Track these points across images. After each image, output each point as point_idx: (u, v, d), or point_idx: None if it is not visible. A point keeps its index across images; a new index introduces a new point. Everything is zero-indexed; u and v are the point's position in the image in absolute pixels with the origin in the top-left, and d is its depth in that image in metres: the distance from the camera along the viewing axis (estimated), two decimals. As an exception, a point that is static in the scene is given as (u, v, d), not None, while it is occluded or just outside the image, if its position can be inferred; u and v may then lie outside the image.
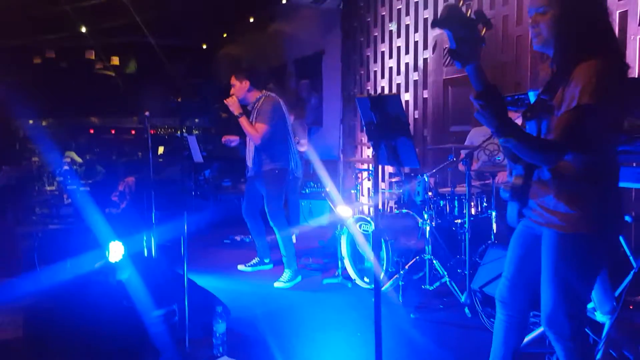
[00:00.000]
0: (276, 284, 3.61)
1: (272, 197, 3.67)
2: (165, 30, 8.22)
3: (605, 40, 1.51)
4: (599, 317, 2.15)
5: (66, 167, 6.67)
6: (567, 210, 1.54)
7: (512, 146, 1.47)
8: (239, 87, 3.68)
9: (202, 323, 2.58)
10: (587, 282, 1.60)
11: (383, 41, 5.41)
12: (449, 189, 3.58)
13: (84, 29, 8.18)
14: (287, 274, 3.68)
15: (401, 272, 3.35)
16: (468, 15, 1.33)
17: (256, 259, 4.06)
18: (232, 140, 3.91)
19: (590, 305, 2.30)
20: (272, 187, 3.67)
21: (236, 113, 3.56)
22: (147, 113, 3.93)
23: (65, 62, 9.26)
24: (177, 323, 2.36)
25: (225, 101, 3.64)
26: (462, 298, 3.03)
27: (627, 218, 2.32)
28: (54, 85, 9.43)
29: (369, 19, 5.63)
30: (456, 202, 3.54)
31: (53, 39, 8.80)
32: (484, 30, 1.37)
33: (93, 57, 9.10)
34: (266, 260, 4.04)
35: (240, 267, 4.04)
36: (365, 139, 5.74)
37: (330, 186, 4.19)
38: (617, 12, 3.14)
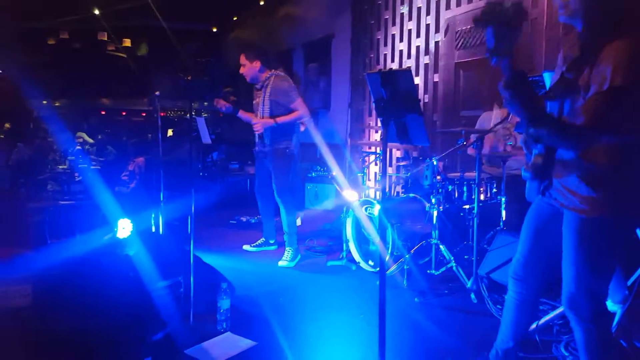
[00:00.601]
0: (280, 263, 3.66)
1: (281, 174, 3.70)
2: (176, 13, 8.21)
3: (639, 18, 1.43)
4: (611, 306, 2.13)
5: (78, 147, 6.74)
6: (589, 193, 1.50)
7: (543, 136, 1.44)
8: (249, 67, 3.65)
9: (207, 299, 2.60)
10: (608, 265, 1.58)
11: (394, 24, 5.34)
12: (458, 174, 3.55)
13: (97, 11, 8.21)
14: (289, 252, 3.72)
15: (407, 256, 3.35)
16: (506, 9, 1.31)
17: (262, 239, 4.08)
18: (224, 105, 3.77)
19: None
20: (282, 164, 3.70)
21: (271, 124, 3.60)
22: (157, 93, 3.94)
23: (79, 43, 9.31)
24: (183, 295, 2.39)
25: (256, 128, 3.65)
26: (469, 284, 3.02)
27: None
28: (67, 66, 9.50)
29: (379, 2, 5.56)
30: (465, 187, 3.51)
31: (67, 21, 8.85)
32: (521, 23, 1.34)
33: (105, 39, 9.13)
34: (271, 241, 4.07)
35: (246, 247, 4.07)
36: (373, 122, 5.71)
37: (336, 170, 4.17)
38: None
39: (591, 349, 1.59)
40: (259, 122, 3.63)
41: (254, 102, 3.81)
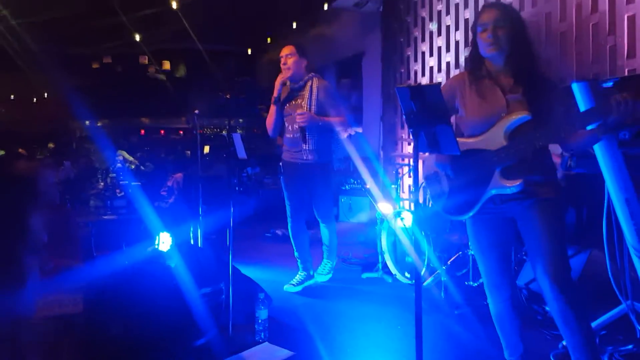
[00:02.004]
0: (316, 276, 3.56)
1: (326, 193, 3.45)
2: (212, 36, 8.55)
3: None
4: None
5: (119, 165, 7.05)
6: (550, 181, 1.85)
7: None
8: (298, 61, 3.33)
9: (245, 310, 2.67)
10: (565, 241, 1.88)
11: (423, 40, 5.38)
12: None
13: (137, 37, 8.65)
14: (326, 265, 3.58)
15: (443, 267, 3.32)
16: None
17: (302, 273, 3.54)
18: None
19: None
20: (326, 181, 3.41)
21: (315, 121, 3.27)
22: (196, 111, 4.11)
23: (121, 67, 9.81)
24: (223, 304, 2.46)
25: (301, 119, 3.26)
26: (506, 295, 2.97)
27: None
28: (110, 89, 10.00)
29: (409, 20, 5.62)
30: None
31: (110, 47, 9.37)
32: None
33: (146, 62, 9.58)
34: (312, 272, 3.60)
35: (287, 287, 3.48)
36: (405, 135, 5.72)
37: (370, 183, 4.19)
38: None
39: (578, 315, 1.76)
40: (307, 113, 3.25)
41: (288, 103, 3.41)
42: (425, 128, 1.89)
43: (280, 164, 3.52)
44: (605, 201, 2.06)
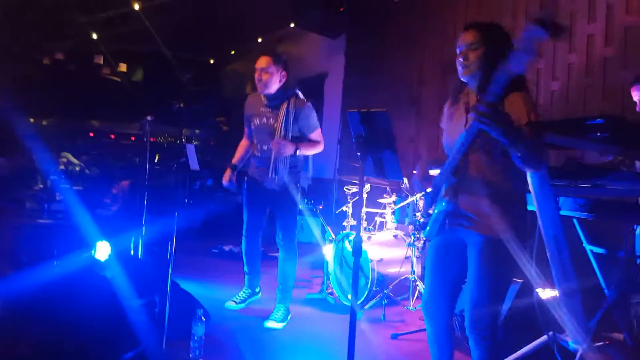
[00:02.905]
0: (268, 324, 3.04)
1: (291, 214, 3.13)
2: (174, 42, 8.41)
3: (522, 78, 1.72)
4: (572, 345, 2.18)
5: (61, 167, 6.71)
6: (499, 215, 1.71)
7: (523, 152, 1.57)
8: (276, 76, 2.98)
9: (181, 325, 2.58)
10: (507, 283, 1.83)
11: (385, 67, 5.56)
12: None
13: (94, 36, 8.37)
14: (280, 311, 3.12)
15: (385, 291, 3.38)
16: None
17: (247, 290, 3.41)
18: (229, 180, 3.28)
19: (565, 335, 2.33)
20: (292, 202, 3.08)
21: (290, 153, 2.99)
22: (149, 117, 3.99)
23: (74, 65, 9.41)
24: (157, 317, 2.37)
25: (275, 148, 2.97)
26: (443, 321, 3.04)
27: (600, 250, 2.44)
28: (60, 87, 9.55)
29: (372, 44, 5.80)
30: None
31: (65, 43, 9.00)
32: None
33: (101, 62, 9.26)
34: (257, 289, 3.47)
35: (229, 304, 3.36)
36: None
37: (322, 204, 4.22)
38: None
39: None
40: (280, 141, 2.94)
41: (257, 120, 3.11)
42: (373, 153, 1.94)
43: (245, 178, 3.24)
44: (536, 235, 2.15)
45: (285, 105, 3.00)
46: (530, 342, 2.32)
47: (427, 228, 1.87)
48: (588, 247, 2.57)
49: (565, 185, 2.11)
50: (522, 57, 1.40)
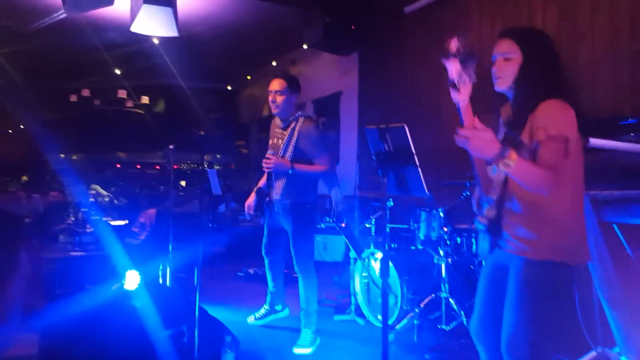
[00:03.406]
0: (296, 350, 3.02)
1: (302, 235, 3.13)
2: (192, 72, 8.65)
3: (559, 83, 1.62)
4: (624, 360, 2.07)
5: (91, 199, 6.89)
6: (536, 238, 1.60)
7: (511, 171, 1.48)
8: (288, 98, 3.09)
9: (211, 353, 2.57)
10: (551, 310, 1.62)
11: (401, 82, 5.55)
12: (466, 225, 3.55)
13: (117, 71, 8.69)
14: (307, 336, 3.08)
15: (416, 310, 3.29)
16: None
17: (265, 306, 3.52)
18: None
19: (615, 350, 2.22)
20: (302, 222, 3.11)
21: (284, 170, 3.03)
22: (171, 146, 4.09)
23: (99, 100, 9.78)
24: (186, 346, 2.37)
25: (266, 164, 3.06)
26: (478, 338, 2.94)
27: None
28: (87, 122, 9.92)
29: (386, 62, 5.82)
30: (474, 239, 3.49)
31: (91, 81, 9.39)
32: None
33: (125, 96, 9.59)
34: (278, 307, 3.54)
35: (250, 319, 3.54)
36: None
37: (345, 221, 4.18)
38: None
39: None
40: (274, 159, 3.03)
41: (270, 141, 3.24)
42: (394, 169, 1.91)
43: (267, 199, 3.31)
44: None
45: (292, 126, 3.10)
46: (577, 359, 2.20)
47: (481, 247, 1.80)
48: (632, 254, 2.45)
49: (601, 188, 2.02)
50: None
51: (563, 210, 1.60)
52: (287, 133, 3.09)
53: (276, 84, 3.11)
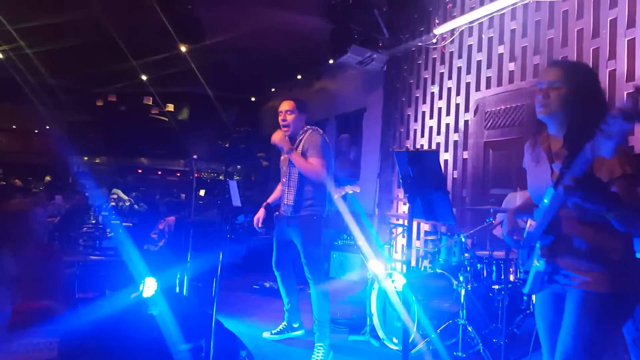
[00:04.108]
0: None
1: (311, 246, 3.19)
2: (217, 82, 8.79)
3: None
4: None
5: (112, 203, 7.00)
6: (600, 270, 1.59)
7: (619, 217, 1.47)
8: (297, 117, 3.26)
9: (226, 366, 2.56)
10: (608, 339, 1.66)
11: (424, 102, 5.54)
12: (487, 252, 3.49)
13: (144, 77, 8.88)
14: (320, 351, 3.10)
15: (433, 335, 3.23)
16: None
17: (284, 323, 3.58)
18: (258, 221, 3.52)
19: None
20: (311, 235, 3.19)
21: (286, 149, 3.18)
22: (195, 156, 4.14)
23: (124, 106, 9.99)
24: (204, 359, 2.36)
25: (273, 137, 3.25)
26: (496, 369, 2.87)
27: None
28: (111, 126, 10.13)
29: (411, 81, 5.82)
30: (494, 267, 3.43)
31: (117, 87, 9.62)
32: None
33: (150, 103, 9.78)
34: (295, 325, 3.58)
35: (266, 334, 3.57)
36: (401, 194, 5.75)
37: (363, 240, 4.15)
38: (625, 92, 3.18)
39: None
40: (280, 135, 3.21)
41: (281, 158, 3.37)
42: (422, 194, 1.89)
43: (276, 213, 3.44)
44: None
45: (300, 138, 3.25)
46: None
47: (528, 285, 1.77)
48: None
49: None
50: (605, 143, 1.31)
51: (622, 241, 1.60)
52: (295, 146, 3.24)
53: (285, 105, 3.30)
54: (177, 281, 3.86)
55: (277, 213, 3.40)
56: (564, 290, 1.69)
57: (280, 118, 3.28)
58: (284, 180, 3.27)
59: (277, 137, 3.22)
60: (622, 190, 1.50)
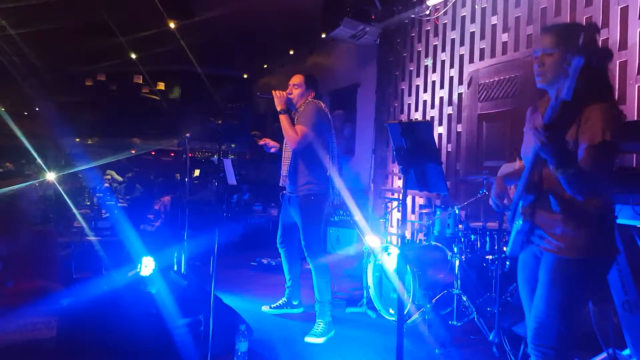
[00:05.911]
0: (307, 339, 3.06)
1: (308, 226, 3.18)
2: (209, 59, 8.65)
3: (605, 86, 1.63)
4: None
5: (106, 184, 6.98)
6: (573, 236, 1.61)
7: (566, 177, 1.50)
8: (303, 92, 3.24)
9: (225, 341, 2.60)
10: (581, 305, 1.68)
11: (418, 75, 5.49)
12: (481, 224, 3.53)
13: (133, 56, 8.71)
14: (320, 325, 3.13)
15: (428, 305, 3.29)
16: None
17: (283, 299, 3.60)
18: (272, 145, 3.46)
19: (625, 352, 2.20)
20: (307, 214, 3.17)
21: (279, 108, 3.13)
22: (187, 135, 4.10)
23: (115, 85, 9.84)
24: (202, 334, 2.39)
25: (273, 92, 3.19)
26: (491, 336, 2.94)
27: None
28: (102, 106, 9.99)
29: (405, 54, 5.75)
30: (488, 237, 3.47)
31: (107, 65, 9.43)
32: None
33: (141, 82, 9.63)
34: (295, 302, 3.59)
35: (265, 308, 3.61)
36: (396, 169, 5.76)
37: (359, 215, 4.17)
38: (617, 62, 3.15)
39: None
40: (279, 94, 3.17)
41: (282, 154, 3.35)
42: (415, 166, 1.89)
43: (282, 192, 3.46)
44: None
45: (300, 111, 3.23)
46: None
47: (509, 246, 1.82)
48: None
49: (623, 192, 2.00)
50: (565, 83, 1.35)
51: (599, 207, 1.61)
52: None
53: (295, 79, 3.29)
54: (175, 260, 3.89)
55: (282, 192, 3.41)
56: (540, 252, 1.73)
57: (287, 90, 3.27)
58: (283, 153, 3.30)
59: (277, 95, 3.17)
60: (593, 158, 1.51)
